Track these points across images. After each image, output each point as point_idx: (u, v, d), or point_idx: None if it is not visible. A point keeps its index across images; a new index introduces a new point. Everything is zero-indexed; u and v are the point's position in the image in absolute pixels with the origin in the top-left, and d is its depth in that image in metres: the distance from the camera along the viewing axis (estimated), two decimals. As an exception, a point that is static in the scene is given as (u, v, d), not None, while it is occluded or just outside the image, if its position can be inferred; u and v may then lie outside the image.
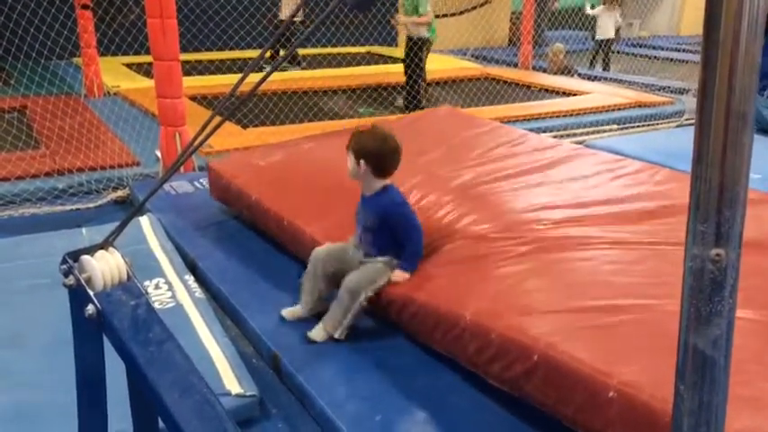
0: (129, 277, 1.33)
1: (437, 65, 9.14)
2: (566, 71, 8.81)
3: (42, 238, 3.50)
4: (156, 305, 2.79)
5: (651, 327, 1.87)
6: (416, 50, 6.44)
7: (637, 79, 8.45)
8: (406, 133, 3.88)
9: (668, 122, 6.46)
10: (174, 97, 4.26)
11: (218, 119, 1.31)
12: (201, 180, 4.27)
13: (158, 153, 4.74)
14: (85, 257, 1.29)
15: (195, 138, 1.35)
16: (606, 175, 3.19)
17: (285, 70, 8.37)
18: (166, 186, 4.16)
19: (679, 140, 5.29)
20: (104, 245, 1.32)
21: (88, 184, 4.31)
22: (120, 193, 4.28)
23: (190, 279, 3.03)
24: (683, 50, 11.44)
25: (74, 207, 4.13)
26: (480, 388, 2.11)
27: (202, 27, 7.90)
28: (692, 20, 14.38)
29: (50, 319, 2.66)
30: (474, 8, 11.15)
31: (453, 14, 10.91)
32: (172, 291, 2.92)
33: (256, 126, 5.64)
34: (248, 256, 3.17)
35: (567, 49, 9.12)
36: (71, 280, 1.30)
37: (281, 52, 8.41)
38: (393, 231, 2.52)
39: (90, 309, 1.28)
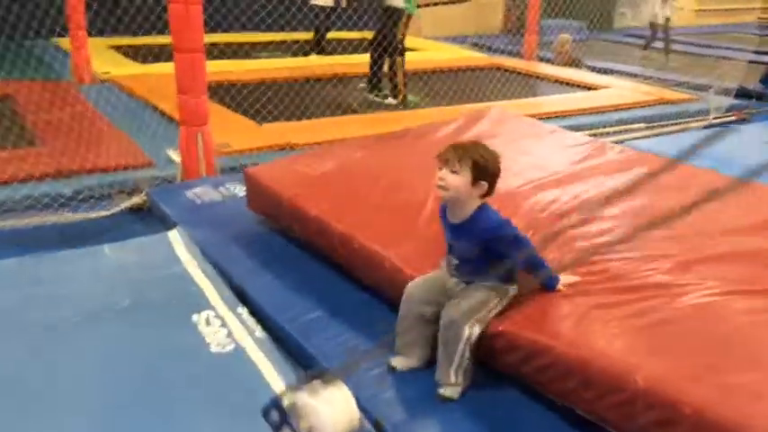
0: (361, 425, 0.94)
1: (441, 54, 8.78)
2: (573, 63, 8.51)
3: (57, 259, 3.04)
4: (213, 348, 2.39)
5: None
6: (386, 22, 5.92)
7: (650, 73, 8.18)
8: (456, 140, 3.53)
9: (696, 121, 6.19)
10: (197, 95, 3.81)
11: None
12: (228, 185, 3.84)
13: (171, 153, 4.29)
14: (305, 400, 0.89)
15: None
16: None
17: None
18: (189, 194, 3.73)
19: (727, 143, 5.03)
20: (327, 377, 0.92)
21: (99, 188, 3.85)
22: (136, 199, 3.82)
23: (243, 312, 2.63)
24: (681, 42, 11.23)
25: (85, 216, 3.67)
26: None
27: (219, 5, 7.25)
28: (684, 10, 14.21)
29: (90, 374, 2.25)
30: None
31: (444, 3, 10.50)
32: (227, 328, 2.51)
33: (272, 121, 5.19)
34: (308, 283, 2.77)
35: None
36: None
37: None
38: (500, 257, 2.12)
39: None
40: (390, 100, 6.22)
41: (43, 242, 3.36)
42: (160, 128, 4.71)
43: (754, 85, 7.40)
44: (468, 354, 2.07)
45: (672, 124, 6.04)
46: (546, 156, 3.31)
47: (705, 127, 6.10)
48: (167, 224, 3.47)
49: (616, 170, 3.11)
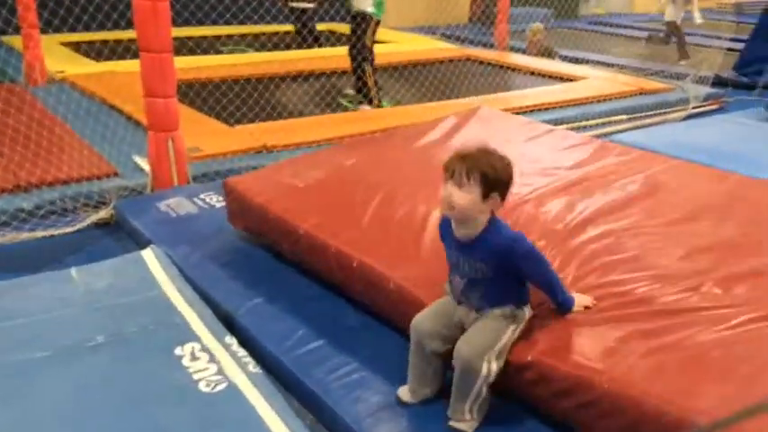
0: None
1: (412, 45, 8.54)
2: (546, 53, 8.36)
3: (17, 286, 2.74)
4: (203, 387, 2.14)
5: None
6: (355, 29, 5.65)
7: (622, 62, 8.07)
8: (448, 143, 3.32)
9: (677, 111, 6.08)
10: (166, 96, 3.52)
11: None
12: (203, 195, 3.57)
13: (139, 161, 3.98)
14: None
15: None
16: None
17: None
18: (162, 206, 3.44)
19: (708, 134, 4.93)
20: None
21: (61, 202, 3.53)
22: (102, 213, 3.52)
23: (233, 343, 2.37)
24: (643, 29, 11.19)
25: (47, 233, 3.35)
26: None
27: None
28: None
29: (62, 423, 1.98)
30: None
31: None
32: (216, 363, 2.26)
33: (244, 122, 4.90)
34: (302, 306, 2.53)
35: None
36: None
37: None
38: (514, 277, 1.92)
39: None
40: (365, 107, 5.94)
41: (3, 265, 3.05)
42: (126, 133, 4.39)
43: (728, 72, 7.36)
44: (484, 391, 1.88)
45: (653, 115, 5.93)
46: (547, 158, 3.11)
47: (686, 117, 6.01)
48: (139, 241, 3.18)
49: (625, 174, 2.92)
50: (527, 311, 1.97)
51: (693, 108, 6.18)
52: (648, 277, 2.10)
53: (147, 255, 2.96)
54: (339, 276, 2.49)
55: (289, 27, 8.46)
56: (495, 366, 1.86)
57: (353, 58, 5.71)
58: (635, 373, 1.69)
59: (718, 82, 6.98)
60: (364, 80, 5.72)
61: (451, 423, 1.93)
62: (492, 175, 1.83)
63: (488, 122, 3.66)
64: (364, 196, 2.71)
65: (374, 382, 2.12)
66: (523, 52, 8.45)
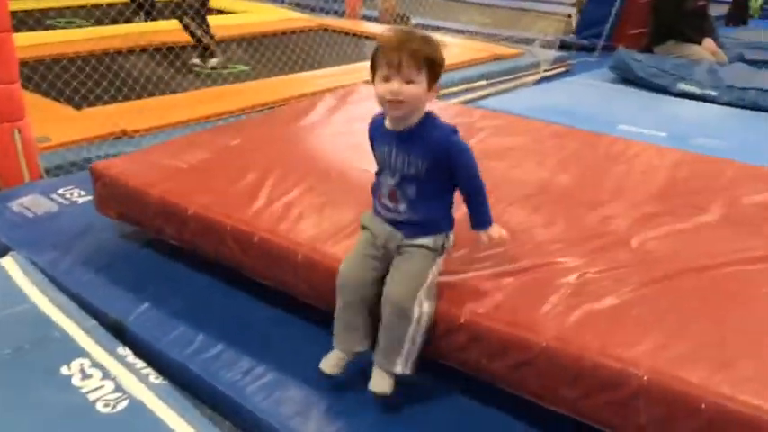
0: None
1: (263, 16, 8.22)
2: (400, 20, 8.38)
3: None
4: (101, 408, 1.92)
5: None
6: None
7: (474, 29, 8.27)
8: (334, 123, 3.23)
9: (531, 75, 6.33)
10: (8, 82, 3.10)
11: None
12: (62, 190, 3.21)
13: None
14: None
15: None
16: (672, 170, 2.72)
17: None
18: (15, 206, 3.05)
19: (561, 96, 5.16)
20: None
21: None
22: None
23: (128, 354, 2.15)
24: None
25: None
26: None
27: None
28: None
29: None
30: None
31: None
32: (112, 379, 2.03)
33: (93, 105, 4.47)
34: (200, 304, 2.34)
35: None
36: None
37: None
38: (447, 178, 1.82)
39: None
40: (212, 62, 5.73)
41: None
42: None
43: (570, 36, 7.76)
44: (419, 338, 1.79)
45: (510, 79, 6.13)
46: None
47: (540, 80, 6.27)
48: (-2, 250, 2.81)
49: (504, 140, 2.98)
50: (452, 238, 1.90)
51: (545, 71, 6.46)
52: (562, 239, 2.13)
53: (8, 263, 2.61)
54: (238, 257, 2.30)
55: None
56: (427, 307, 1.78)
57: (180, 20, 5.53)
58: (569, 329, 1.70)
59: (563, 45, 7.35)
60: (194, 34, 5.53)
61: (372, 388, 1.81)
62: (438, 61, 1.75)
63: (369, 99, 3.56)
64: (257, 176, 2.54)
65: (294, 378, 2.00)
66: (376, 20, 8.42)
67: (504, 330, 1.74)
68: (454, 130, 1.83)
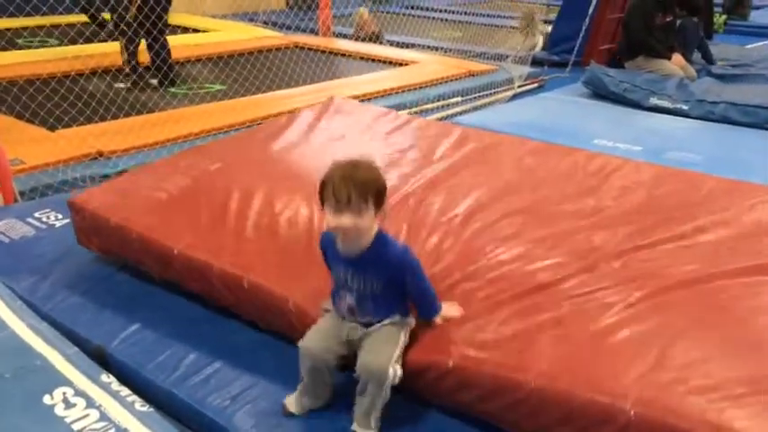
0: None
1: (235, 34, 8.21)
2: (374, 37, 8.44)
3: None
4: (86, 440, 1.87)
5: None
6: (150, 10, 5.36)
7: (445, 45, 8.35)
8: (312, 139, 3.21)
9: (505, 91, 6.40)
10: (-18, 104, 3.05)
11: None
12: (38, 214, 3.15)
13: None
14: None
15: None
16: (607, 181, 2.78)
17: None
18: (-9, 231, 2.99)
19: (536, 112, 5.23)
20: None
21: None
22: None
23: (112, 381, 2.10)
24: (454, 12, 11.63)
25: None
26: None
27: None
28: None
29: None
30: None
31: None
32: (96, 408, 1.99)
33: (68, 126, 4.40)
34: (185, 329, 2.30)
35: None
36: None
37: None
38: (401, 289, 1.91)
39: None
40: (153, 81, 5.76)
41: None
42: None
43: (541, 53, 7.86)
44: (388, 395, 1.86)
45: (485, 95, 6.19)
46: (417, 149, 3.09)
47: (514, 95, 6.34)
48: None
49: (488, 157, 3.00)
50: (412, 321, 1.97)
51: (519, 87, 6.54)
52: (544, 267, 2.15)
53: (-18, 290, 2.55)
54: (228, 299, 2.28)
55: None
56: (399, 370, 1.85)
57: (150, 46, 5.62)
58: (556, 366, 1.71)
59: (535, 61, 7.44)
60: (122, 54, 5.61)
61: None
62: (382, 190, 1.81)
63: (347, 114, 3.58)
64: (240, 204, 2.51)
65: (269, 398, 1.98)
66: (349, 38, 8.45)
67: (491, 373, 1.75)
68: (406, 249, 1.90)
